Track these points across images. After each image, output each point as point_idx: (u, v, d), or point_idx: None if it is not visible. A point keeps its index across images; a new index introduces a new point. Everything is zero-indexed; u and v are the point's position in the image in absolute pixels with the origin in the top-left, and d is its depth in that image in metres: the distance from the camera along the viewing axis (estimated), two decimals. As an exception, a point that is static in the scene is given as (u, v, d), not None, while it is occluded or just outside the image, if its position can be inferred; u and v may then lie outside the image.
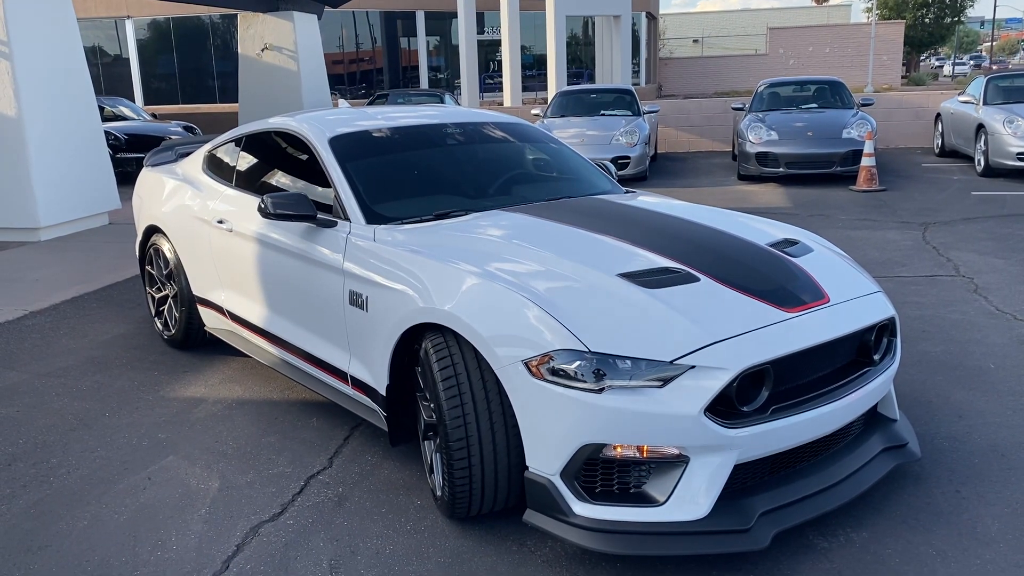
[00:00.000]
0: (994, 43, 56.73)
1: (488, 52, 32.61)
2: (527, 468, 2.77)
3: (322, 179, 3.84)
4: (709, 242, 3.31)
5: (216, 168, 4.81)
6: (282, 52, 15.72)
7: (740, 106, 13.03)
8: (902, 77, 40.58)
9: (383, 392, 3.29)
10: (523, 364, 2.69)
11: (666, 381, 2.61)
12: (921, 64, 54.62)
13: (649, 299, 2.81)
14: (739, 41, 46.87)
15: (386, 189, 3.84)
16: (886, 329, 3.19)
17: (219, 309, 4.59)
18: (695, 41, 51.33)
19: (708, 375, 2.61)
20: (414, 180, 3.95)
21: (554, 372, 2.65)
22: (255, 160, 4.53)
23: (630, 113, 12.72)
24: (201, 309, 4.80)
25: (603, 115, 12.73)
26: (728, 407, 2.68)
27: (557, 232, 3.41)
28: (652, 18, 39.38)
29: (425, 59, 32.55)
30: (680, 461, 2.65)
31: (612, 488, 2.72)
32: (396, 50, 32.79)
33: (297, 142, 4.11)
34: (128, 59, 30.72)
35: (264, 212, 3.63)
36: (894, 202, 9.72)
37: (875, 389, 3.06)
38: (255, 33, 15.82)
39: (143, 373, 4.73)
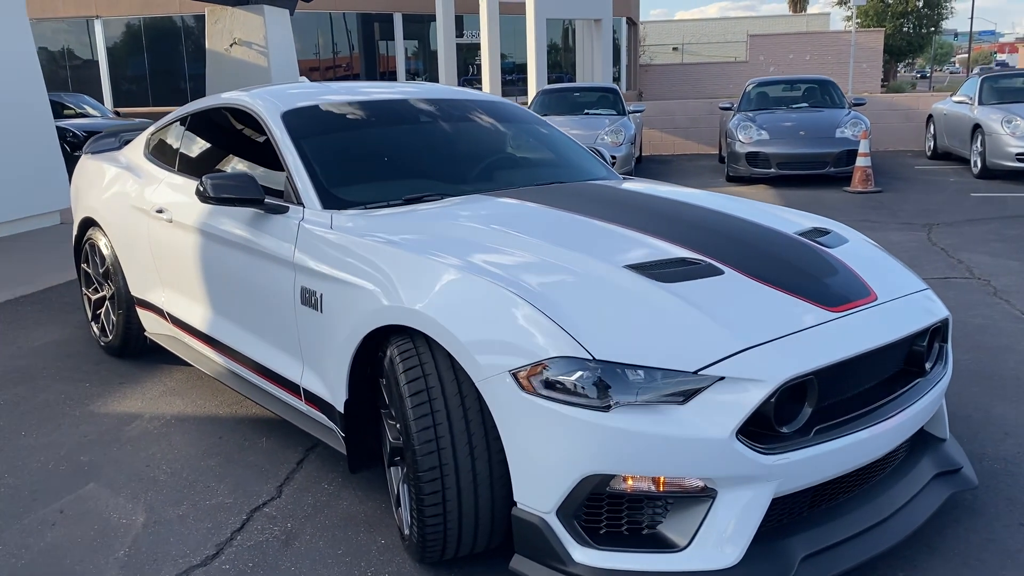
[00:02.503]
0: (971, 54, 57.14)
1: (467, 56, 32.12)
2: (515, 504, 2.24)
3: (276, 161, 3.29)
4: (731, 230, 2.81)
5: (159, 152, 4.24)
6: (252, 47, 15.12)
7: (728, 106, 12.60)
8: (882, 85, 40.58)
9: (341, 408, 2.74)
10: (510, 375, 2.17)
11: (688, 396, 2.09)
12: (899, 74, 54.81)
13: (665, 295, 2.29)
14: (719, 48, 46.70)
15: (348, 171, 3.30)
16: (938, 333, 2.69)
17: (159, 312, 4.02)
18: (675, 49, 51.20)
19: (741, 388, 2.09)
20: (381, 161, 3.41)
21: (549, 385, 2.12)
22: (201, 141, 3.97)
23: (615, 112, 12.25)
24: (140, 312, 4.23)
25: (587, 114, 12.25)
26: (764, 428, 2.17)
27: (550, 218, 2.89)
28: (632, 24, 39.12)
29: (403, 63, 32.00)
30: (705, 496, 2.14)
31: (620, 529, 2.19)
32: (373, 54, 32.22)
33: (248, 119, 3.56)
34: (97, 61, 29.94)
35: (203, 196, 3.08)
36: (892, 203, 9.30)
37: (929, 404, 2.56)
38: (223, 28, 15.22)
39: (72, 385, 4.15)
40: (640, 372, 2.11)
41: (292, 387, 3.05)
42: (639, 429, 2.07)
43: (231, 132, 3.81)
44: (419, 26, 32.10)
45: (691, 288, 2.33)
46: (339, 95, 3.68)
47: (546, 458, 2.14)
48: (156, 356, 4.44)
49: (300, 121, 3.37)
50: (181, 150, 4.04)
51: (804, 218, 3.11)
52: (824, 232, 2.92)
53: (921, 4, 46.42)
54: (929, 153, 13.30)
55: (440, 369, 2.34)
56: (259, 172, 3.44)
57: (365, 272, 2.63)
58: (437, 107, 3.76)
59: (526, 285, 2.30)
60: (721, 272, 2.43)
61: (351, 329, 2.62)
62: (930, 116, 13.32)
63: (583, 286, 2.35)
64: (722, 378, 2.10)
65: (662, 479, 2.13)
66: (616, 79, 34.82)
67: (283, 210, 3.10)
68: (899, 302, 2.55)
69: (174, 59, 29.74)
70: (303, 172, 3.13)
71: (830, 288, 2.47)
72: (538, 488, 2.18)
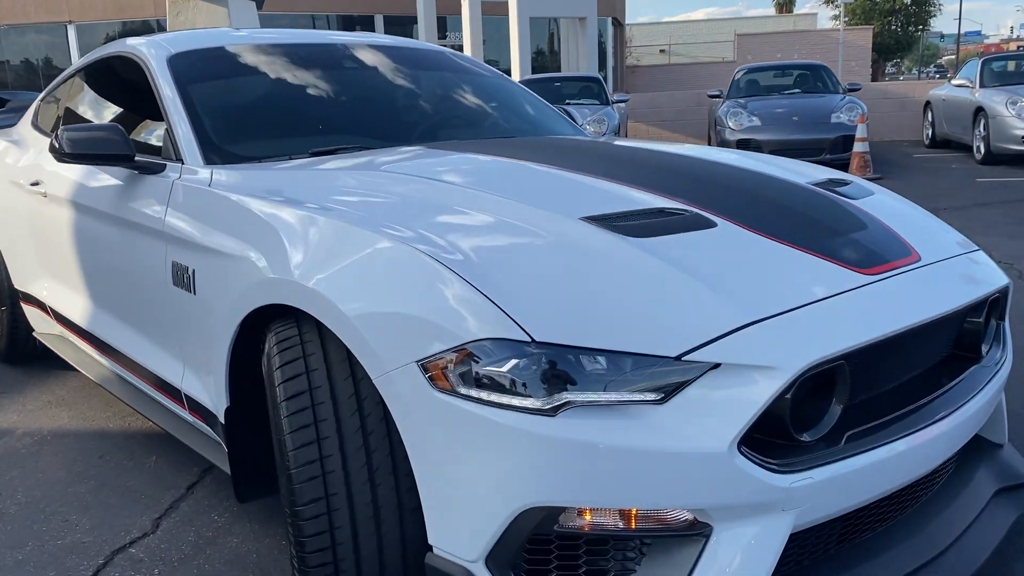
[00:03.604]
0: (959, 55, 56.94)
1: (451, 58, 31.56)
2: (431, 549, 1.60)
3: (160, 114, 2.64)
4: (726, 178, 2.19)
5: (44, 118, 3.59)
6: (216, 42, 14.41)
7: (717, 93, 12.01)
8: (871, 83, 40.20)
9: (222, 417, 2.10)
10: (419, 367, 1.53)
11: (669, 392, 1.46)
12: (887, 76, 54.46)
13: (636, 253, 1.66)
14: (707, 49, 46.22)
15: (246, 122, 2.67)
16: (995, 307, 2.06)
17: (43, 306, 3.37)
18: (662, 51, 50.74)
19: (744, 380, 1.47)
20: (290, 114, 2.77)
21: (472, 380, 1.49)
22: (84, 98, 3.32)
23: (598, 103, 11.64)
24: (26, 308, 3.57)
25: (569, 104, 11.63)
26: (777, 436, 1.54)
27: (486, 167, 2.26)
28: (618, 24, 38.64)
29: (385, 65, 31.39)
30: (696, 534, 1.50)
31: (577, 582, 1.55)
32: (355, 56, 31.60)
33: (134, 69, 2.91)
34: (71, 66, 29.21)
35: (58, 153, 2.43)
36: (895, 190, 8.67)
37: (988, 400, 1.93)
38: (185, 20, 14.50)
39: (-57, 396, 3.49)
40: (600, 359, 1.47)
41: (174, 392, 2.41)
42: (600, 440, 1.44)
43: (116, 86, 3.17)
44: (401, 28, 31.46)
45: (672, 244, 1.70)
46: (244, 38, 3.04)
47: (469, 484, 1.51)
48: (53, 361, 3.78)
49: (190, 66, 2.73)
50: (62, 111, 3.39)
51: (816, 170, 2.49)
52: (843, 183, 2.29)
53: (909, 1, 46.13)
54: (927, 141, 12.72)
55: (331, 364, 1.71)
56: (140, 128, 2.80)
57: (245, 236, 1.99)
58: (366, 54, 3.12)
59: (443, 245, 1.66)
60: (712, 224, 1.80)
61: (228, 312, 1.98)
62: (927, 103, 12.75)
63: (522, 245, 1.71)
64: (717, 365, 1.47)
65: (634, 512, 1.49)
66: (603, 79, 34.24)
67: (159, 169, 2.45)
68: (948, 264, 1.93)
69: (149, 64, 29.02)
70: (185, 121, 2.49)
71: (860, 245, 1.84)
72: (459, 527, 1.54)
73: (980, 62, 11.15)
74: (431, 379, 1.52)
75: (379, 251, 1.69)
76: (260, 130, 2.65)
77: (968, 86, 11.03)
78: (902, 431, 1.68)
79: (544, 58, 33.97)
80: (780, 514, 1.51)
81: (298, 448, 1.65)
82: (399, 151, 2.49)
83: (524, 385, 1.47)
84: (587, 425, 1.45)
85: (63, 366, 3.71)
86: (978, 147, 10.43)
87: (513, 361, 1.47)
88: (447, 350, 1.51)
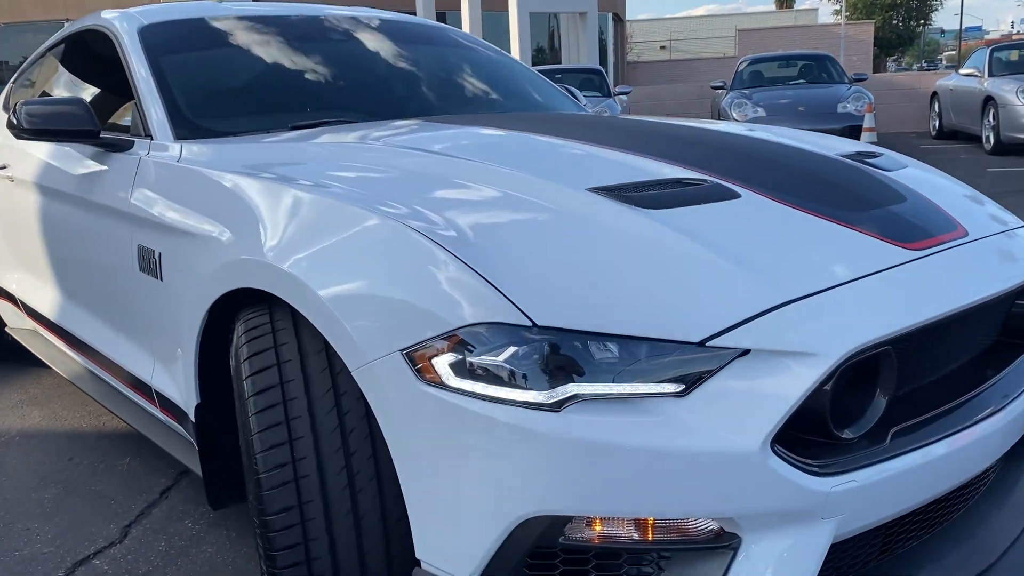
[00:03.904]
0: (960, 50, 56.71)
1: (450, 54, 31.36)
2: (418, 564, 1.40)
3: (131, 90, 2.45)
4: (747, 148, 1.99)
5: (17, 98, 3.39)
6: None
7: (720, 84, 11.81)
8: (876, 74, 40.05)
9: (192, 415, 1.91)
10: (403, 356, 1.33)
11: (692, 383, 1.27)
12: (887, 70, 54.22)
13: (650, 226, 1.46)
14: (707, 45, 46.02)
15: (222, 96, 2.47)
16: (1047, 289, 1.86)
17: (14, 300, 3.17)
18: (663, 47, 50.50)
19: (778, 368, 1.27)
20: (270, 87, 2.57)
21: (464, 370, 1.29)
22: (54, 75, 3.13)
23: (599, 94, 11.45)
24: (-2, 302, 3.37)
25: (570, 97, 11.43)
26: (815, 433, 1.34)
27: (485, 139, 2.07)
28: (619, 20, 38.44)
29: (384, 62, 31.17)
30: (722, 546, 1.31)
31: (586, 603, 1.36)
32: (354, 53, 31.38)
33: (106, 43, 2.71)
34: (68, 65, 29.03)
35: (17, 129, 2.24)
36: (903, 180, 8.50)
37: (1041, 392, 1.73)
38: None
39: (-90, 396, 3.30)
40: (611, 346, 1.28)
41: (145, 389, 2.21)
42: (611, 439, 1.24)
43: (91, 61, 2.97)
44: (400, 24, 31.23)
45: (690, 216, 1.50)
46: (230, 10, 2.83)
47: (462, 490, 1.31)
48: (28, 358, 3.58)
49: (163, 38, 2.53)
50: (33, 90, 3.19)
51: (843, 143, 2.28)
52: (874, 155, 2.09)
53: (910, -4, 46.00)
54: (934, 133, 12.51)
55: (306, 356, 1.51)
56: (113, 105, 2.60)
57: (213, 216, 1.80)
58: (356, 26, 2.91)
59: (437, 221, 1.46)
60: (735, 195, 1.60)
61: (195, 299, 1.78)
62: (934, 94, 12.53)
63: (522, 220, 1.52)
64: (746, 352, 1.27)
65: (651, 521, 1.30)
66: (603, 74, 34.03)
67: (126, 146, 2.26)
68: (997, 239, 1.73)
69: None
70: (155, 94, 2.29)
71: (901, 218, 1.64)
72: (451, 539, 1.34)
73: (989, 51, 10.94)
74: (418, 371, 1.32)
75: (364, 228, 1.49)
76: (237, 104, 2.46)
77: (977, 75, 10.82)
78: (952, 427, 1.49)
79: (544, 55, 33.72)
80: (819, 523, 1.31)
81: (267, 450, 1.45)
82: (393, 124, 2.29)
83: (524, 376, 1.27)
84: (596, 422, 1.25)
85: (39, 363, 3.51)
86: (987, 137, 10.22)
87: (511, 349, 1.28)
88: (435, 337, 1.31)
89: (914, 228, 1.61)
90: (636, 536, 1.30)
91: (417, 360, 1.33)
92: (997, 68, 10.62)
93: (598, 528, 1.30)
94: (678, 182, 1.65)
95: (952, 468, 1.48)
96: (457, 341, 1.30)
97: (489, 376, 1.28)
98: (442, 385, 1.31)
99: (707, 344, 1.27)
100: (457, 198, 1.62)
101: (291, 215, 1.64)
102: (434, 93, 2.80)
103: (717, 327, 1.28)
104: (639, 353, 1.28)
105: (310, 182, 1.72)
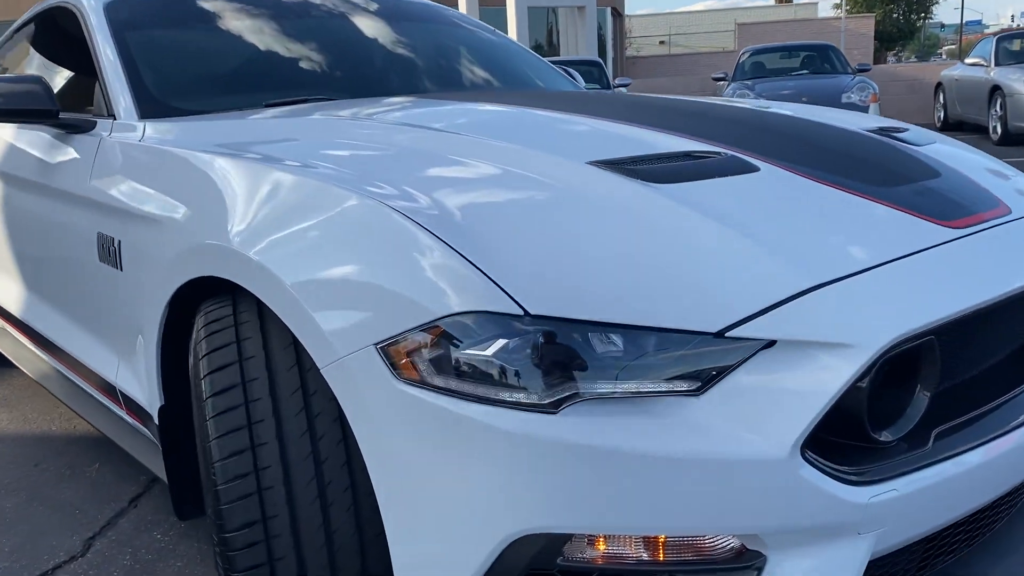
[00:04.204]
0: (961, 44, 56.47)
1: (448, 50, 31.17)
2: (397, 586, 1.23)
3: (95, 70, 2.27)
4: (763, 122, 1.82)
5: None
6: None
7: (722, 75, 11.62)
8: (878, 64, 39.89)
9: (156, 418, 1.74)
10: (378, 352, 1.17)
11: (708, 380, 1.10)
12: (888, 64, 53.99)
13: (659, 202, 1.29)
14: (707, 39, 45.75)
15: (192, 75, 2.29)
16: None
17: (-19, 296, 3.00)
18: (662, 42, 50.27)
19: (809, 361, 1.10)
20: (245, 64, 2.39)
21: (451, 368, 1.12)
22: (25, 57, 2.95)
23: (599, 87, 11.25)
24: (-34, 299, 3.19)
25: (568, 90, 11.26)
26: (847, 436, 1.17)
27: (477, 115, 1.90)
28: (618, 15, 38.23)
29: (382, 58, 30.98)
30: (745, 567, 1.14)
31: (588, 630, 1.19)
32: (351, 49, 31.18)
33: (72, 21, 2.54)
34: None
35: (-33, 109, 2.06)
36: (910, 171, 8.32)
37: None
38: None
39: None
40: (615, 337, 1.11)
41: (110, 389, 2.04)
42: (616, 444, 1.07)
43: (57, 40, 2.79)
44: (398, 20, 31.02)
45: (704, 191, 1.33)
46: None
47: (446, 504, 1.14)
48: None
49: (130, 12, 2.35)
50: (2, 72, 3.02)
51: (865, 118, 2.11)
52: (900, 129, 1.92)
53: (911, -12, 45.80)
54: (939, 124, 12.31)
55: (272, 351, 1.34)
56: (78, 86, 2.43)
57: (176, 197, 1.63)
58: (342, 1, 2.74)
59: (423, 202, 1.29)
60: (754, 168, 1.43)
61: (156, 289, 1.61)
62: (939, 84, 12.35)
63: (516, 198, 1.35)
64: (771, 343, 1.11)
65: (662, 539, 1.13)
66: (602, 70, 33.83)
67: (88, 127, 2.09)
68: (1043, 219, 1.56)
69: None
70: (119, 71, 2.12)
71: (938, 194, 1.47)
72: (435, 560, 1.17)
73: (995, 40, 10.76)
74: (395, 367, 1.16)
75: (339, 210, 1.32)
76: (209, 82, 2.29)
77: (983, 65, 10.63)
78: (1000, 426, 1.33)
79: (543, 51, 33.55)
80: (854, 539, 1.15)
81: (227, 457, 1.28)
82: (384, 101, 2.12)
83: (516, 373, 1.11)
84: (599, 425, 1.08)
85: (9, 363, 3.34)
86: (994, 127, 10.03)
87: (500, 342, 1.11)
88: (414, 329, 1.14)
89: (953, 204, 1.44)
90: (646, 556, 1.13)
91: (394, 355, 1.16)
92: (1004, 57, 10.43)
93: (602, 547, 1.13)
94: (688, 155, 1.48)
95: (1002, 472, 1.31)
96: (439, 333, 1.13)
97: (476, 373, 1.12)
98: (422, 383, 1.14)
99: (727, 335, 1.10)
100: (449, 175, 1.45)
101: (260, 196, 1.46)
102: (426, 72, 2.63)
103: (738, 315, 1.11)
104: (647, 345, 1.11)
105: (285, 160, 1.54)
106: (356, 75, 2.46)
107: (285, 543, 1.27)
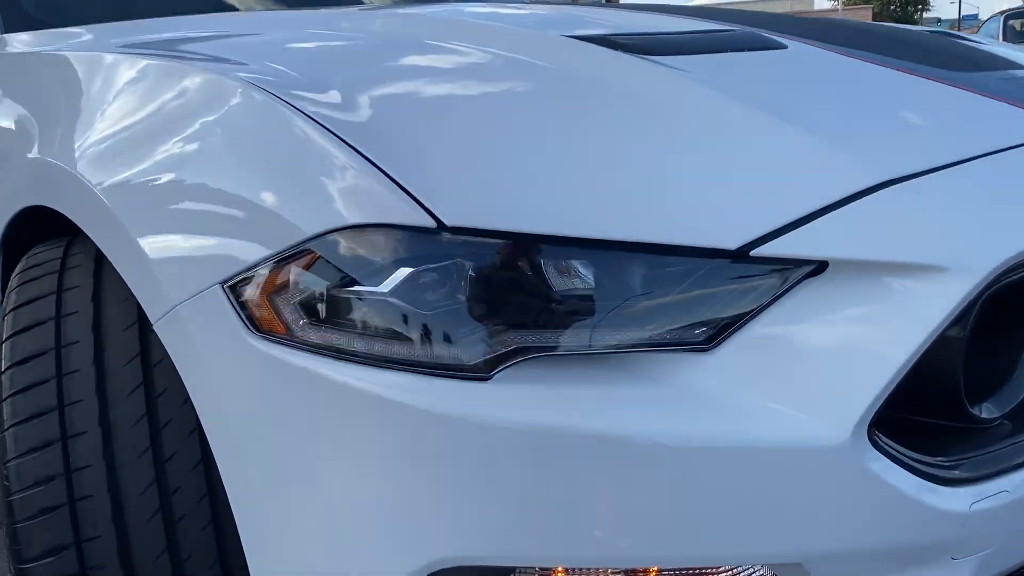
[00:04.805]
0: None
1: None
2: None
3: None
4: (790, 15, 1.43)
5: None
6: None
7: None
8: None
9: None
10: (224, 292, 0.77)
11: (724, 327, 0.71)
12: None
13: (656, 74, 0.90)
14: (703, 34, 45.75)
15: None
16: None
17: None
18: (658, 37, 50.05)
19: (877, 295, 0.71)
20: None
21: (330, 312, 0.73)
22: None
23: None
24: None
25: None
26: (926, 412, 0.78)
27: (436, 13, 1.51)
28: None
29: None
30: (781, 609, 0.74)
31: None
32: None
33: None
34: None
35: None
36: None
37: None
38: None
39: None
40: (582, 265, 0.72)
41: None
42: (582, 427, 0.68)
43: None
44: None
45: (715, 65, 0.95)
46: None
47: (329, 520, 0.75)
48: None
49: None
50: None
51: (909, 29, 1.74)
52: (960, 37, 1.54)
53: (909, -18, 45.89)
54: (944, 108, 12.02)
55: (104, 307, 0.95)
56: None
57: (27, 109, 1.25)
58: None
59: (291, 79, 0.90)
60: (781, 45, 1.04)
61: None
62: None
63: (453, 76, 0.96)
64: (821, 266, 0.71)
65: (653, 572, 0.73)
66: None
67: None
68: None
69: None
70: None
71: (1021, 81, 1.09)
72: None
73: (1003, 18, 10.48)
74: (248, 316, 0.76)
75: (194, 92, 0.93)
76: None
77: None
78: None
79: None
80: (947, 567, 0.75)
81: (25, 454, 0.89)
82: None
83: (426, 320, 0.71)
84: (555, 396, 0.70)
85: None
86: (1003, 107, 9.72)
87: (403, 271, 0.72)
88: (276, 256, 0.75)
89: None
90: (629, 596, 0.74)
91: (247, 298, 0.77)
92: (1011, 36, 10.13)
93: (562, 583, 0.74)
94: (695, 32, 1.09)
95: None
96: (311, 262, 0.74)
97: (365, 321, 0.73)
98: (288, 339, 0.75)
99: (751, 253, 0.71)
100: (363, 47, 1.07)
101: (118, 94, 1.07)
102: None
103: (769, 225, 0.72)
104: (631, 274, 0.72)
105: (175, 52, 1.15)
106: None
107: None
